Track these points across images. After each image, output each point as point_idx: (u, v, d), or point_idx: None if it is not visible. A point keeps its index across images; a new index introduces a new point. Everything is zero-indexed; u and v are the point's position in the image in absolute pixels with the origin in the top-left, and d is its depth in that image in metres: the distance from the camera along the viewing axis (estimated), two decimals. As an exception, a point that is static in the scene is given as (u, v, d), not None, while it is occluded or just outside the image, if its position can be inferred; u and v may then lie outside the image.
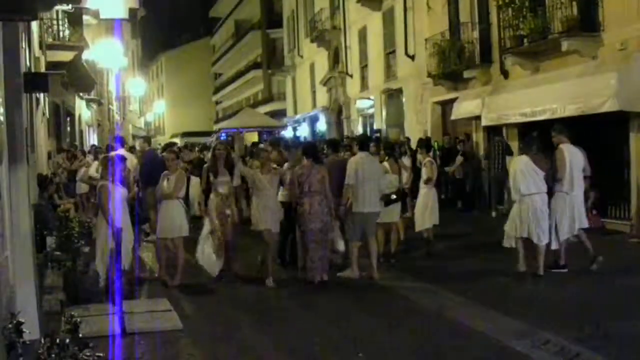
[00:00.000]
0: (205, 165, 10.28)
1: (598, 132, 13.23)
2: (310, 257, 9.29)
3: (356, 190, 9.44)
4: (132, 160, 13.17)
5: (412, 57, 22.30)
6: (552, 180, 9.44)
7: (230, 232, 9.68)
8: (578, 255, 9.58)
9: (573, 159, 9.44)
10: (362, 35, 27.11)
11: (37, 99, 13.76)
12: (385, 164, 10.63)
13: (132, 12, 16.60)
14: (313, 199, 9.21)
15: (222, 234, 9.49)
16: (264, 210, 9.31)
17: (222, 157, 9.73)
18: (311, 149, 9.79)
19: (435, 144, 18.28)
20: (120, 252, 7.32)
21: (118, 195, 8.65)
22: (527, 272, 9.40)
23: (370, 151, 10.20)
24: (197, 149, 21.53)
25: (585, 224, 9.62)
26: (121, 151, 12.89)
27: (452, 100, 18.87)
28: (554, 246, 9.48)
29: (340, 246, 9.78)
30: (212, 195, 9.62)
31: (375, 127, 26.02)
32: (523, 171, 9.42)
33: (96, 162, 14.09)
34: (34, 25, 14.33)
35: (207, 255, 9.36)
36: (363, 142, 10.27)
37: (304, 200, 9.25)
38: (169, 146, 12.95)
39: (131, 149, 16.16)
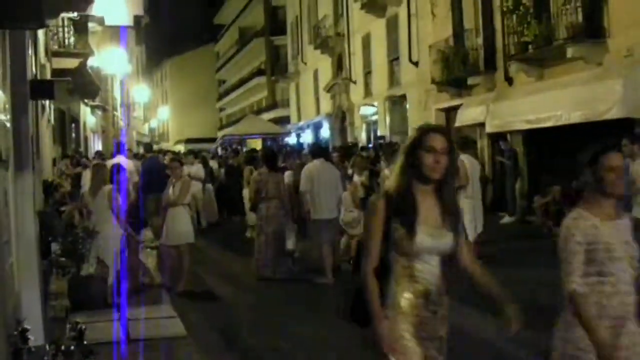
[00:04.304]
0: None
1: (603, 139, 13.18)
2: (264, 255, 9.98)
3: (312, 197, 9.79)
4: (130, 168, 13.18)
5: (416, 64, 22.30)
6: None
7: None
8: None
9: (473, 169, 10.43)
10: (366, 42, 27.15)
11: (43, 106, 13.79)
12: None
13: (136, 19, 16.68)
14: (270, 204, 9.94)
15: None
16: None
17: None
18: (270, 157, 10.58)
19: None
20: (125, 258, 7.33)
21: (120, 202, 8.68)
22: None
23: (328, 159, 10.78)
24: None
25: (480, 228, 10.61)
26: (120, 158, 12.94)
27: (456, 107, 18.85)
28: None
29: (290, 245, 10.58)
30: None
31: (379, 133, 26.02)
32: None
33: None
34: (40, 32, 14.35)
35: None
36: (315, 150, 10.95)
37: (262, 205, 10.01)
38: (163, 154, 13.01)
39: (135, 156, 16.26)
